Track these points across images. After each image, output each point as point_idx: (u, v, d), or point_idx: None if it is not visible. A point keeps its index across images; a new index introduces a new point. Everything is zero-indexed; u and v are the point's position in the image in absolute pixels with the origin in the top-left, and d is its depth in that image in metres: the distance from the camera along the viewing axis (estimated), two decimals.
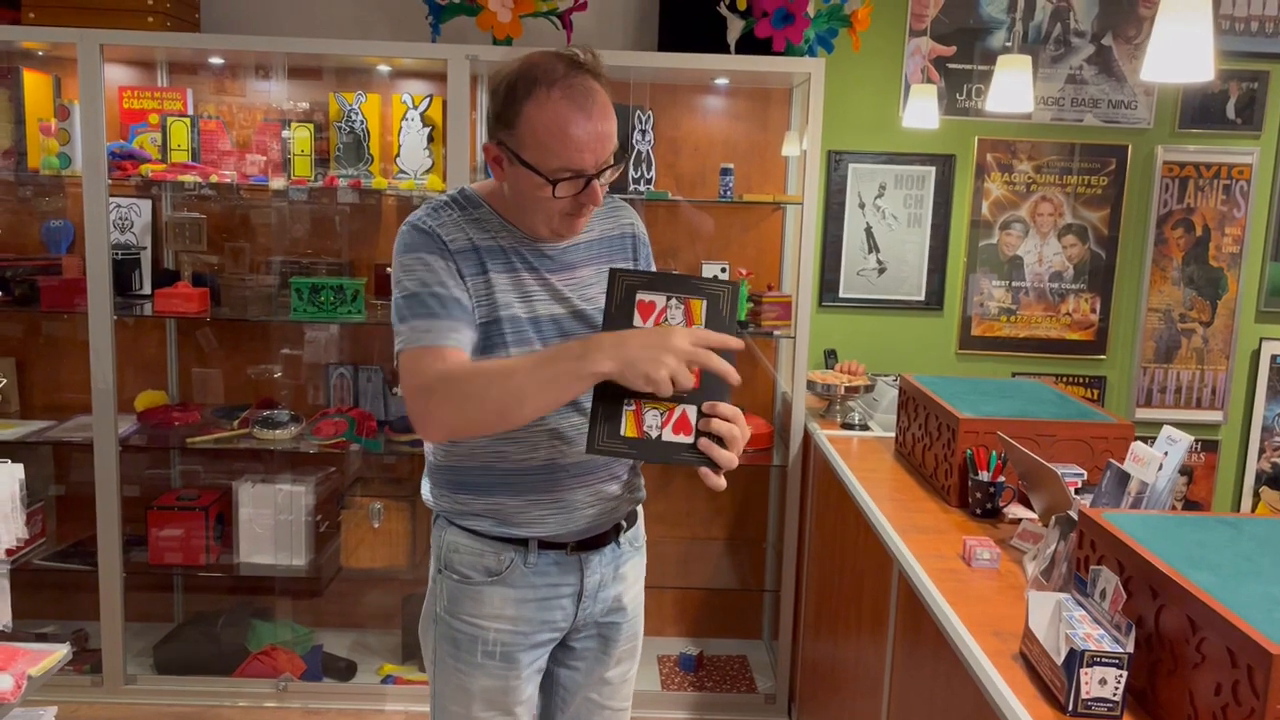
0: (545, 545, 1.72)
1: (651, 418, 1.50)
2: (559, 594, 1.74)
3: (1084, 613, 1.41)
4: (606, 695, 1.88)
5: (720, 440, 1.50)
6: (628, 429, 1.50)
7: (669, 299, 1.52)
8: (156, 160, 3.13)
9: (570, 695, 1.87)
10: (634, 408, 1.50)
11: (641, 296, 1.53)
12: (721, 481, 1.51)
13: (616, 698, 1.90)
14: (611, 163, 1.59)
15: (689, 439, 1.50)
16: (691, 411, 1.50)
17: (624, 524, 1.80)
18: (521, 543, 1.71)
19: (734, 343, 1.49)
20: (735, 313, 1.54)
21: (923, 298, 3.52)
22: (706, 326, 1.51)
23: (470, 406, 1.49)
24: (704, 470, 1.51)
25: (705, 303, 1.52)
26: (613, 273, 1.53)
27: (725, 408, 1.50)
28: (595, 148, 1.54)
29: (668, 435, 1.51)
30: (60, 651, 2.06)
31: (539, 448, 1.65)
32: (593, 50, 1.61)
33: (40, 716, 2.19)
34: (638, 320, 1.53)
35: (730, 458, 1.50)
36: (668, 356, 1.42)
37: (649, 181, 3.19)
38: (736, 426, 1.50)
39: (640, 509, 1.89)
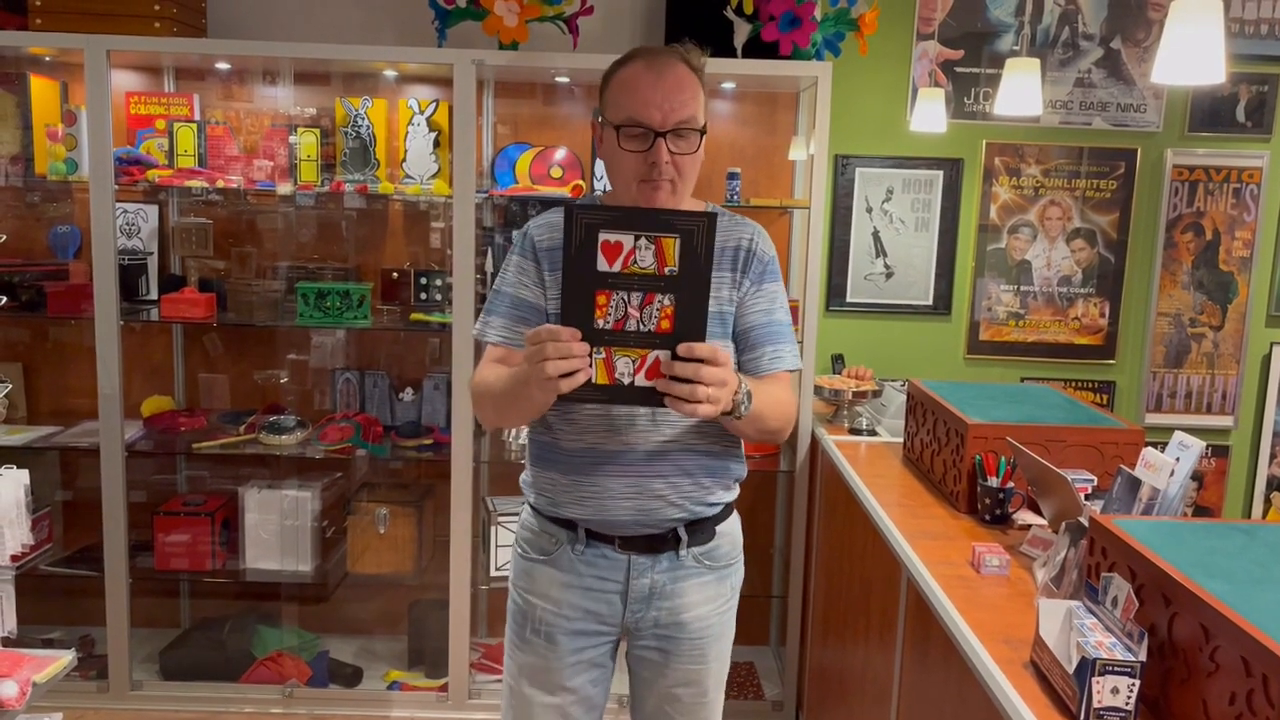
0: (594, 536, 1.79)
1: (623, 365, 1.47)
2: (604, 588, 1.80)
3: (1095, 620, 1.39)
4: (679, 712, 1.89)
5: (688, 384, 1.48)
6: (599, 376, 1.48)
7: (637, 239, 1.43)
8: (163, 165, 3.13)
9: (642, 701, 1.93)
10: (604, 355, 1.47)
11: (605, 237, 1.43)
12: (692, 409, 1.48)
13: (691, 717, 1.90)
14: (685, 129, 1.66)
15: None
16: (665, 356, 1.47)
17: (683, 534, 1.79)
18: (571, 527, 1.80)
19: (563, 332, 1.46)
20: (711, 250, 1.44)
21: (930, 302, 3.51)
22: (680, 267, 1.44)
23: (478, 410, 1.82)
24: (673, 401, 1.48)
25: (679, 240, 1.43)
26: (568, 209, 1.44)
27: (700, 348, 1.47)
28: (662, 105, 1.64)
29: (641, 381, 1.48)
30: (65, 658, 2.05)
31: (586, 432, 1.74)
32: (700, 52, 1.76)
33: None
34: (601, 263, 1.43)
35: (686, 390, 1.47)
36: (546, 364, 1.45)
37: None
38: (706, 367, 1.47)
39: (727, 529, 1.88)
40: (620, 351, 1.46)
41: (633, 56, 1.72)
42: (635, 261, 1.43)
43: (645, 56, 1.70)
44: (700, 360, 1.47)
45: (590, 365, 1.47)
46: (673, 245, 1.43)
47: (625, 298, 1.45)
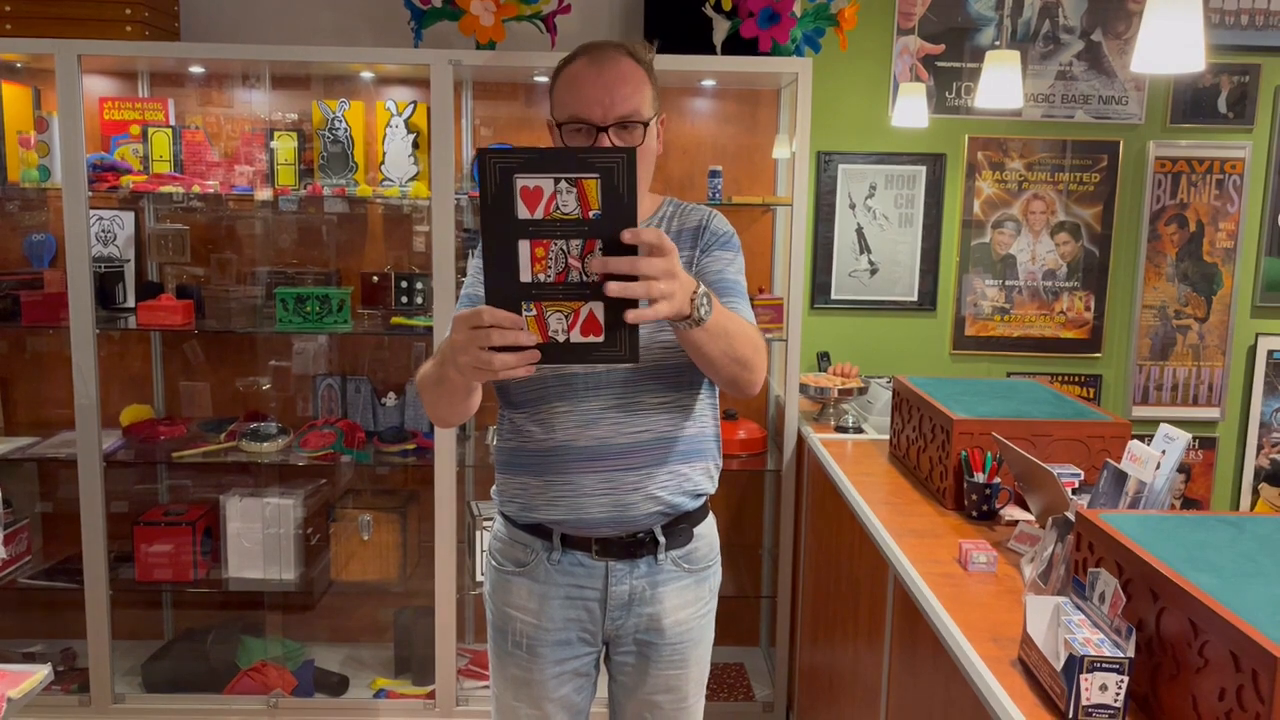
0: (569, 543, 1.75)
1: (556, 321, 1.38)
2: (583, 595, 1.77)
3: (1083, 617, 1.37)
4: (658, 719, 1.87)
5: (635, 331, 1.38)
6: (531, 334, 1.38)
7: (557, 182, 1.33)
8: (138, 171, 3.10)
9: (621, 708, 1.91)
10: (535, 312, 1.37)
11: (523, 182, 1.33)
12: (649, 312, 1.36)
13: None
14: (629, 122, 1.65)
15: (599, 339, 1.38)
16: (599, 309, 1.37)
17: (660, 537, 1.76)
18: (546, 535, 1.76)
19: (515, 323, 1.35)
20: (634, 187, 1.35)
21: (915, 298, 3.49)
22: (603, 208, 1.34)
23: (423, 402, 1.70)
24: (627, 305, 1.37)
25: (600, 179, 1.34)
26: (480, 154, 1.33)
27: (643, 232, 1.34)
28: (603, 100, 1.63)
29: (576, 337, 1.38)
30: (40, 673, 2.01)
31: (556, 429, 1.71)
32: (647, 45, 1.75)
33: None
34: (522, 210, 1.34)
35: (642, 289, 1.34)
36: (462, 356, 1.37)
37: None
38: (645, 258, 1.34)
39: (704, 530, 1.85)
40: (551, 307, 1.37)
41: (577, 54, 1.70)
42: (557, 207, 1.34)
43: (589, 52, 1.69)
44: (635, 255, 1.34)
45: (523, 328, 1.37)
46: (594, 186, 1.34)
47: (563, 247, 1.35)
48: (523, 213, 1.34)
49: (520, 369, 1.37)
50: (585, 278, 1.36)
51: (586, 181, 1.34)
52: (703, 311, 1.44)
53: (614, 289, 1.33)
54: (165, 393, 3.42)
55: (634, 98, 1.66)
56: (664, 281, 1.34)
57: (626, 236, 1.33)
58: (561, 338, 1.38)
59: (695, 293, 1.42)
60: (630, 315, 1.35)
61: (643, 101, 1.67)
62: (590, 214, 1.35)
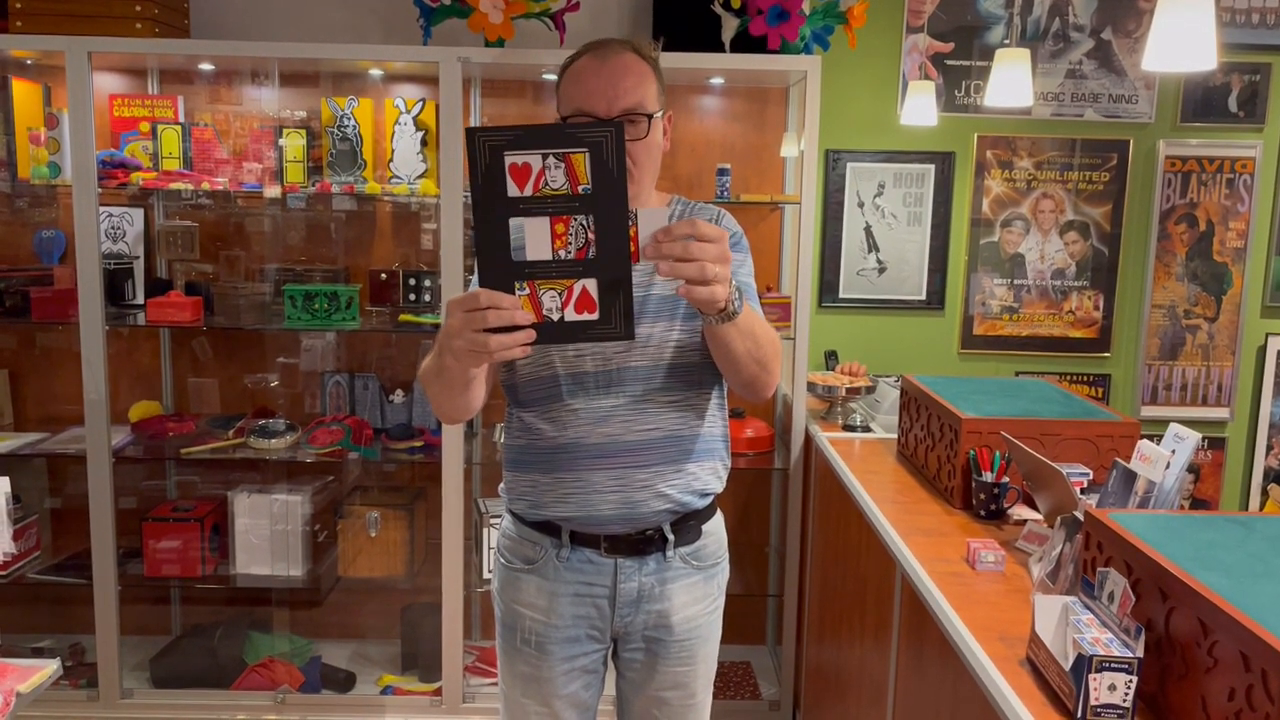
0: (578, 541, 1.75)
1: (549, 299, 1.38)
2: (592, 593, 1.77)
3: (1092, 616, 1.37)
4: (667, 715, 1.87)
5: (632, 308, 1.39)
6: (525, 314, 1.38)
7: (545, 158, 1.34)
8: (148, 168, 3.11)
9: (629, 704, 1.91)
10: (528, 291, 1.38)
11: (512, 159, 1.34)
12: (710, 291, 1.38)
13: None
14: (634, 114, 1.65)
15: (594, 315, 1.39)
16: (592, 285, 1.37)
17: (669, 534, 1.77)
18: (555, 532, 1.76)
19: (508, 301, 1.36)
20: (623, 162, 1.35)
21: (924, 297, 3.49)
22: (593, 183, 1.35)
23: (428, 398, 1.69)
24: (685, 287, 1.37)
25: (588, 154, 1.34)
26: (469, 133, 1.35)
27: (685, 223, 1.35)
28: (607, 93, 1.64)
29: (570, 315, 1.38)
30: (49, 668, 2.02)
31: (567, 428, 1.71)
32: (653, 43, 1.77)
33: None
34: (512, 188, 1.34)
35: (695, 270, 1.36)
36: (457, 340, 1.38)
37: None
38: (696, 243, 1.36)
39: (712, 528, 1.85)
40: (544, 285, 1.38)
41: (582, 51, 1.72)
42: (546, 183, 1.35)
43: (593, 49, 1.71)
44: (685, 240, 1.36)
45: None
46: (582, 161, 1.35)
47: (584, 222, 1.36)
48: (512, 190, 1.35)
49: (515, 349, 1.38)
50: (562, 254, 1.37)
51: (575, 156, 1.35)
52: (735, 305, 1.48)
53: (665, 270, 1.36)
54: (174, 389, 3.43)
55: (637, 90, 1.67)
56: (719, 264, 1.38)
57: (685, 229, 1.36)
58: (556, 316, 1.39)
59: (730, 286, 1.46)
60: (699, 291, 1.37)
61: (646, 95, 1.68)
62: (579, 189, 1.36)
